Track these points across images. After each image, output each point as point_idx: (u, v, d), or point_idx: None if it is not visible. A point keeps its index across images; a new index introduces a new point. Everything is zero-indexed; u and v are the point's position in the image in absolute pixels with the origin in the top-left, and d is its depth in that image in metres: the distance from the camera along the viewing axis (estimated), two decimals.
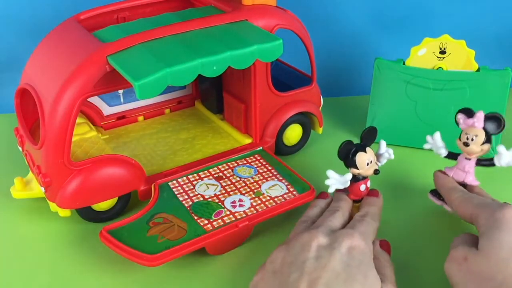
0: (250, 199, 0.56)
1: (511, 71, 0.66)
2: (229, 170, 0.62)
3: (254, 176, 0.60)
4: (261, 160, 0.63)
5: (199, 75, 0.51)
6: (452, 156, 0.58)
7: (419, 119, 0.71)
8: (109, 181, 0.56)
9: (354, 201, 0.55)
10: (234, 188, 0.58)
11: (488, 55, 0.74)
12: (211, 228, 0.52)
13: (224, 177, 0.60)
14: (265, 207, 0.55)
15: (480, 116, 0.54)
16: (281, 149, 0.69)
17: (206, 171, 0.61)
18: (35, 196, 0.59)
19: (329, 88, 0.84)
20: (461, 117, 0.56)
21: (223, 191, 0.58)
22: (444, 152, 0.58)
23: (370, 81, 0.72)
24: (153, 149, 0.67)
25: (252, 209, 0.55)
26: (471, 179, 0.56)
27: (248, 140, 0.67)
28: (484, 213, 0.47)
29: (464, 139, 0.55)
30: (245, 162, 0.63)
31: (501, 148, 0.53)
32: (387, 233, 0.57)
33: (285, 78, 0.72)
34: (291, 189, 0.58)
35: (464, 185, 0.57)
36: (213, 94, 0.72)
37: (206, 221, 0.53)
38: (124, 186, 0.57)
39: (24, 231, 0.58)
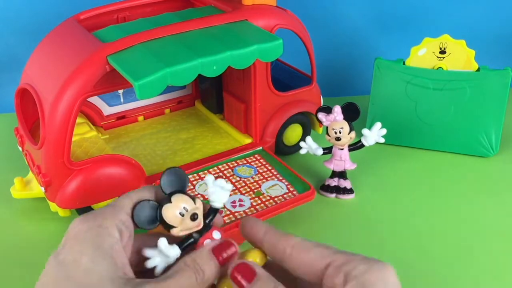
0: (250, 199, 0.56)
1: (511, 71, 0.67)
2: (229, 170, 0.62)
3: (254, 176, 0.60)
4: (261, 160, 0.63)
5: (199, 75, 0.51)
6: (327, 151, 0.61)
7: (419, 119, 0.71)
8: (109, 181, 0.56)
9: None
10: (234, 188, 0.58)
11: (488, 55, 0.74)
12: None
13: (224, 177, 0.60)
14: (265, 207, 0.55)
15: (337, 110, 0.59)
16: (281, 149, 0.69)
17: (206, 171, 0.61)
18: (35, 196, 0.59)
19: (329, 88, 0.84)
20: (322, 115, 0.60)
21: None
22: (320, 152, 0.61)
23: (370, 81, 0.72)
24: (153, 149, 0.67)
25: (252, 209, 0.55)
26: (349, 165, 0.62)
27: (248, 140, 0.67)
28: (358, 263, 0.33)
29: (333, 134, 0.59)
30: (245, 162, 0.63)
31: (365, 131, 0.59)
32: (386, 233, 0.57)
33: (285, 78, 0.72)
34: (291, 189, 0.58)
35: (344, 172, 0.62)
36: (213, 94, 0.72)
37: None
38: (124, 186, 0.57)
39: (24, 231, 0.58)
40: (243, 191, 0.58)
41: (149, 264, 0.37)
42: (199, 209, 0.39)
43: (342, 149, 0.61)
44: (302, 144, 0.61)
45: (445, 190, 0.64)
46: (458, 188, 0.64)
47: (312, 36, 0.67)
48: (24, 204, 0.62)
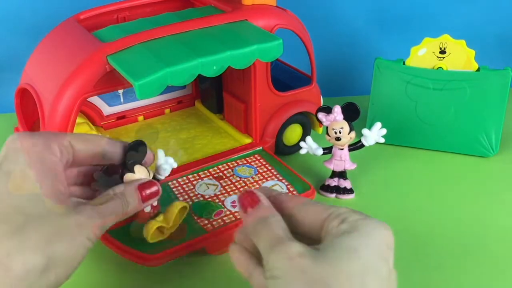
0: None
1: (511, 71, 0.66)
2: (229, 170, 0.62)
3: (254, 176, 0.60)
4: (261, 160, 0.63)
5: (199, 75, 0.51)
6: (327, 151, 0.61)
7: (419, 119, 0.71)
8: None
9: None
10: (234, 188, 0.58)
11: (488, 55, 0.74)
12: (211, 228, 0.52)
13: (224, 177, 0.60)
14: None
15: (338, 110, 0.59)
16: (281, 149, 0.69)
17: (206, 171, 0.61)
18: None
19: (329, 88, 0.83)
20: (322, 115, 0.60)
21: (223, 191, 0.58)
22: (320, 152, 0.61)
23: (370, 81, 0.72)
24: (152, 149, 0.66)
25: None
26: (349, 165, 0.62)
27: (248, 140, 0.67)
28: (357, 215, 0.37)
29: (333, 134, 0.59)
30: (245, 162, 0.63)
31: (365, 131, 0.59)
32: None
33: (285, 78, 0.72)
34: (291, 189, 0.58)
35: (344, 172, 0.62)
36: (213, 94, 0.72)
37: (206, 221, 0.53)
38: None
39: None
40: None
41: None
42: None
43: (342, 149, 0.61)
44: (302, 144, 0.61)
45: (445, 190, 0.64)
46: (458, 188, 0.64)
47: (312, 36, 0.67)
48: None
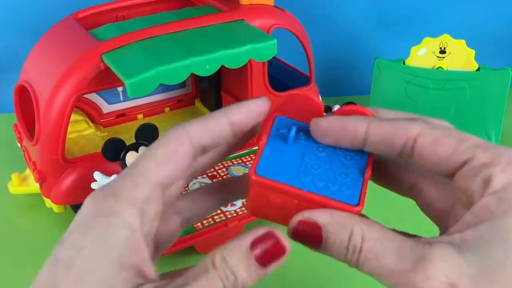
0: (242, 199, 0.56)
1: (511, 71, 0.66)
2: (223, 169, 0.62)
3: None
4: None
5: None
6: None
7: None
8: None
9: None
10: None
11: (488, 55, 0.73)
12: (201, 226, 0.53)
13: (217, 176, 0.60)
14: None
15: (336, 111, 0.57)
16: None
17: None
18: (32, 191, 0.60)
19: (329, 88, 0.83)
20: None
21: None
22: None
23: (370, 81, 0.72)
24: None
25: (243, 208, 0.55)
26: None
27: None
28: (506, 166, 0.25)
29: None
30: (240, 161, 0.63)
31: None
32: None
33: (283, 77, 0.72)
34: None
35: None
36: (212, 93, 0.72)
37: None
38: None
39: (20, 226, 0.59)
40: None
41: (93, 186, 0.43)
42: None
43: None
44: None
45: None
46: None
47: (311, 35, 0.67)
48: (21, 200, 0.62)
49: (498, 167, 0.25)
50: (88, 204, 0.27)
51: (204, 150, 0.29)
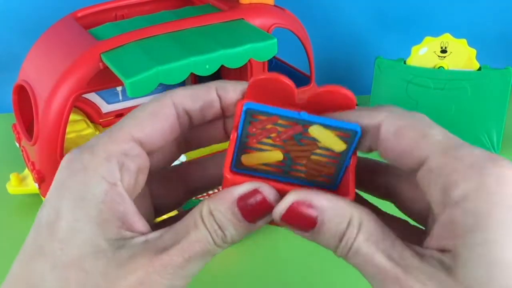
0: None
1: None
2: None
3: None
4: None
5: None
6: None
7: None
8: None
9: None
10: None
11: (489, 54, 0.73)
12: None
13: None
14: None
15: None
16: None
17: None
18: (31, 192, 0.60)
19: None
20: None
21: (216, 190, 0.58)
22: None
23: (370, 80, 0.72)
24: None
25: None
26: None
27: None
28: (463, 175, 0.23)
29: None
30: None
31: None
32: None
33: None
34: None
35: None
36: None
37: None
38: None
39: (19, 226, 0.59)
40: None
41: None
42: None
43: None
44: None
45: None
46: None
47: (311, 35, 0.67)
48: (20, 200, 0.62)
49: (457, 172, 0.23)
50: (64, 162, 0.27)
51: (190, 116, 0.29)
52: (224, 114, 0.29)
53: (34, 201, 0.61)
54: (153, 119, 0.27)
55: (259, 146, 0.28)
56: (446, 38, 0.68)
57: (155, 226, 0.28)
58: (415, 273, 0.22)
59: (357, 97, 0.79)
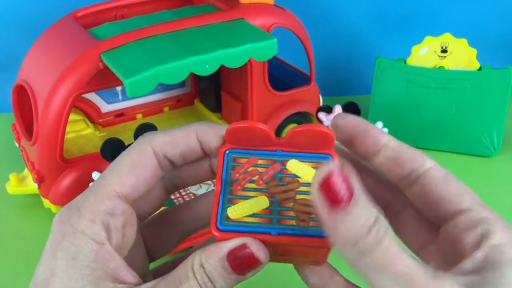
0: None
1: None
2: None
3: (246, 175, 0.60)
4: None
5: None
6: None
7: (420, 118, 0.70)
8: None
9: None
10: None
11: (490, 54, 0.73)
12: None
13: None
14: None
15: (338, 109, 0.58)
16: None
17: None
18: (30, 192, 0.60)
19: (330, 88, 0.83)
20: (322, 115, 0.59)
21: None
22: None
23: (371, 80, 0.71)
24: None
25: None
26: None
27: None
28: (501, 229, 0.26)
29: None
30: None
31: None
32: None
33: (284, 77, 0.72)
34: None
35: None
36: (211, 93, 0.72)
37: None
38: None
39: (18, 226, 0.59)
40: None
41: None
42: None
43: None
44: None
45: None
46: None
47: (312, 35, 0.66)
48: (19, 200, 0.62)
49: (496, 226, 0.26)
50: (55, 224, 0.28)
51: (171, 161, 0.30)
52: (206, 155, 0.30)
53: (33, 201, 0.61)
54: (134, 171, 0.28)
55: (244, 193, 0.28)
56: (447, 38, 0.67)
57: (150, 273, 0.31)
58: (446, 282, 0.23)
59: (358, 97, 0.79)
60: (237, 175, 0.28)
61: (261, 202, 0.28)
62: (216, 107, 0.73)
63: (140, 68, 0.48)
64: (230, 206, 0.27)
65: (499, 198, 0.62)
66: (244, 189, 0.28)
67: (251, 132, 0.29)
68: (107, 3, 0.65)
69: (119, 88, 0.70)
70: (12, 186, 0.60)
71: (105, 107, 0.71)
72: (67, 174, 0.55)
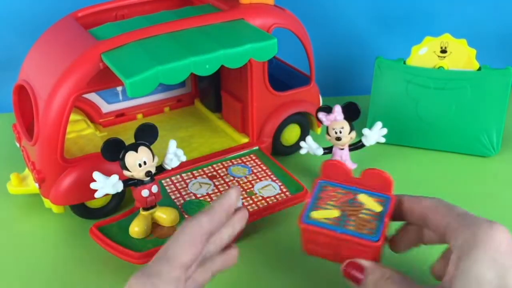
0: (242, 199, 0.56)
1: None
2: (223, 169, 0.61)
3: (248, 176, 0.60)
4: (256, 160, 0.63)
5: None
6: (327, 150, 0.61)
7: (420, 118, 0.70)
8: None
9: (143, 209, 0.52)
10: (226, 188, 0.58)
11: (489, 54, 0.73)
12: None
13: (217, 176, 0.60)
14: (256, 207, 0.55)
15: (338, 109, 0.58)
16: (279, 149, 0.68)
17: (200, 170, 0.61)
18: (31, 192, 0.60)
19: (329, 88, 0.83)
20: (322, 115, 0.59)
21: (216, 190, 0.58)
22: (320, 151, 0.61)
23: (370, 80, 0.71)
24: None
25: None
26: (349, 165, 0.61)
27: (245, 140, 0.67)
28: (465, 230, 0.37)
29: (333, 134, 0.59)
30: (240, 161, 0.63)
31: (365, 131, 0.59)
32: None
33: (284, 77, 0.72)
34: (284, 190, 0.58)
35: None
36: (211, 93, 0.72)
37: None
38: None
39: (19, 226, 0.59)
40: None
41: (93, 186, 0.48)
42: (153, 166, 0.50)
43: (342, 149, 0.61)
44: (302, 144, 0.61)
45: (445, 190, 0.63)
46: (459, 188, 0.64)
47: (311, 35, 0.67)
48: (20, 200, 0.62)
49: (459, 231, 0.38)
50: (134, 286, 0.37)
51: (211, 235, 0.42)
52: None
53: (34, 201, 0.61)
54: (193, 245, 0.40)
55: (324, 206, 0.44)
56: (446, 38, 0.68)
57: None
58: None
59: (357, 97, 0.79)
60: (323, 195, 0.45)
61: (334, 213, 0.44)
62: (216, 107, 0.73)
63: (141, 68, 0.48)
64: (313, 211, 0.44)
65: (498, 198, 0.62)
66: (325, 204, 0.44)
67: (339, 168, 0.46)
68: (107, 3, 0.65)
69: (119, 88, 0.71)
70: (13, 186, 0.60)
71: (106, 107, 0.71)
72: (68, 174, 0.55)
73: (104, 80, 0.54)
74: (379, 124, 0.59)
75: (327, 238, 0.42)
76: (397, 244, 0.45)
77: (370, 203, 0.44)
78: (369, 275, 0.40)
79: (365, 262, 0.41)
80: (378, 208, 0.44)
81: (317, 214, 0.43)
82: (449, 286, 0.35)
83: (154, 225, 0.53)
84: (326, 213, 0.43)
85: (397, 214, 0.44)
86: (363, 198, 0.45)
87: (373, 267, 0.40)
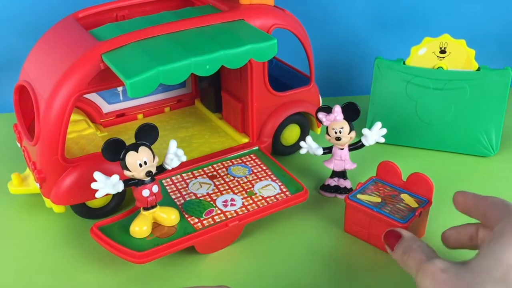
0: (242, 199, 0.56)
1: (511, 71, 0.66)
2: (224, 169, 0.62)
3: (248, 176, 0.60)
4: (256, 160, 0.63)
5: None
6: (327, 150, 0.61)
7: (419, 118, 0.70)
8: None
9: (144, 209, 0.52)
10: (227, 187, 0.58)
11: (488, 55, 0.73)
12: (201, 226, 0.53)
13: (218, 176, 0.60)
14: (256, 207, 0.55)
15: (338, 109, 0.59)
16: (279, 149, 0.69)
17: (200, 170, 0.61)
18: (32, 192, 0.60)
19: (329, 88, 0.83)
20: (322, 115, 0.60)
21: (216, 190, 0.58)
22: (320, 151, 0.61)
23: (370, 80, 0.72)
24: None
25: (243, 208, 0.55)
26: (349, 165, 0.62)
27: (245, 140, 0.67)
28: (506, 218, 0.40)
29: (333, 134, 0.59)
30: (240, 161, 0.63)
31: (365, 131, 0.60)
32: None
33: (284, 77, 0.72)
34: (284, 190, 0.58)
35: (344, 172, 0.62)
36: (212, 93, 0.72)
37: (196, 220, 0.53)
38: None
39: (20, 226, 0.59)
40: (236, 191, 0.58)
41: (94, 186, 0.48)
42: (154, 166, 0.50)
43: (342, 149, 0.61)
44: (302, 144, 0.61)
45: (445, 190, 0.63)
46: (458, 188, 0.62)
47: (311, 35, 0.67)
48: (21, 200, 0.62)
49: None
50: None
51: None
52: None
53: (35, 201, 0.61)
54: None
55: (370, 193, 0.56)
56: (445, 39, 0.68)
57: None
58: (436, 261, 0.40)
59: (357, 97, 0.79)
60: (372, 187, 0.57)
61: (376, 199, 0.55)
62: (216, 107, 0.73)
63: (141, 69, 0.49)
64: (360, 194, 0.56)
65: None
66: (372, 193, 0.56)
67: (391, 169, 0.57)
68: (108, 4, 0.66)
69: (120, 89, 0.71)
70: (14, 186, 0.60)
71: (106, 107, 0.71)
72: (69, 174, 0.55)
73: (105, 80, 0.54)
74: (378, 124, 0.59)
75: (364, 216, 0.54)
76: (448, 238, 0.48)
77: (409, 200, 0.55)
78: (402, 241, 0.44)
79: (401, 230, 0.45)
80: (414, 204, 0.54)
81: (362, 196, 0.55)
82: (475, 262, 0.38)
83: (155, 224, 0.53)
84: (370, 197, 0.55)
85: (462, 208, 0.47)
86: (405, 196, 0.56)
87: (407, 235, 0.44)
